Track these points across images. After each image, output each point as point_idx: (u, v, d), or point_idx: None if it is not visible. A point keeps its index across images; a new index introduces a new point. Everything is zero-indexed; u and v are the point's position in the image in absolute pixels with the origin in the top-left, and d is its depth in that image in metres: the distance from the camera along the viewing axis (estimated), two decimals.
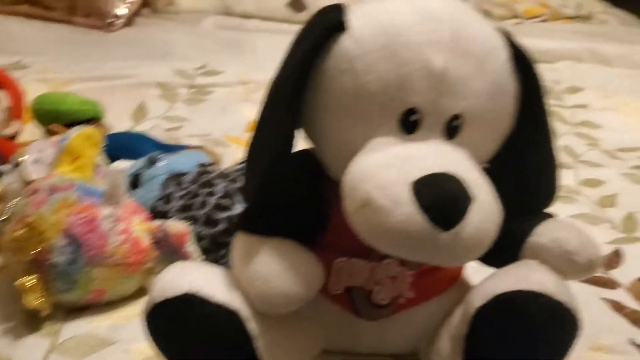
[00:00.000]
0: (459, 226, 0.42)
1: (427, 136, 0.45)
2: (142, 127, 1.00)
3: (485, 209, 0.43)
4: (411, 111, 0.45)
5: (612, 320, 0.65)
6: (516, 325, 0.46)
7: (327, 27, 0.45)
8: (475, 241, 0.43)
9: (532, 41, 1.49)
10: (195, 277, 0.48)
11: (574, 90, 1.32)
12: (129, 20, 1.52)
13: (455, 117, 0.45)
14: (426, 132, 0.45)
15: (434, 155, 0.44)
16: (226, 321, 0.48)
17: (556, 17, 1.86)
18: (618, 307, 0.67)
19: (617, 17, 1.92)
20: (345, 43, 0.45)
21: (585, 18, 1.87)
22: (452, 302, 0.53)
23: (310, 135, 0.50)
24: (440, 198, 0.42)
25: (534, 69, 0.49)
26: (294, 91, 0.46)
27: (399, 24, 0.45)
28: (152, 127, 0.97)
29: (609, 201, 0.90)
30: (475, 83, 0.45)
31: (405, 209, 0.41)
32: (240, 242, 0.51)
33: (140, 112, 1.06)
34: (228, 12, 1.62)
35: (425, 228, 0.41)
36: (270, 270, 0.47)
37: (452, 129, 0.46)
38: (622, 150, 1.08)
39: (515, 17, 1.84)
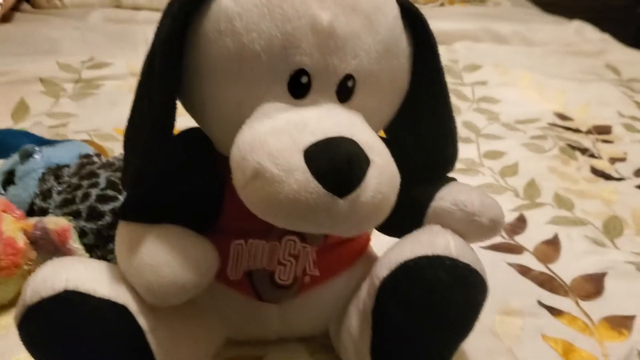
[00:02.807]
0: (356, 191, 0.39)
1: (319, 100, 0.42)
2: (22, 126, 0.92)
3: (383, 173, 0.41)
4: (300, 72, 0.41)
5: (519, 283, 0.65)
6: (423, 292, 0.44)
7: None
8: (374, 206, 0.40)
9: (430, 23, 1.53)
10: (73, 273, 0.43)
11: (473, 68, 1.33)
12: (6, 17, 1.40)
13: (347, 77, 0.42)
14: (318, 95, 0.42)
15: (327, 119, 0.41)
16: (113, 316, 0.43)
17: (452, 1, 1.89)
18: (524, 270, 0.67)
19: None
20: (222, 1, 0.41)
21: (480, 0, 1.91)
22: (359, 277, 0.51)
23: (193, 107, 0.46)
24: (335, 162, 0.38)
25: (426, 26, 0.47)
26: (168, 57, 0.41)
27: None
28: (33, 124, 0.89)
29: (510, 170, 0.90)
30: (366, 40, 0.42)
31: (298, 176, 0.38)
32: (123, 233, 0.46)
33: (20, 110, 0.97)
34: (117, 5, 1.54)
35: (321, 195, 0.38)
36: (157, 259, 0.43)
37: (344, 91, 0.43)
38: (520, 122, 1.09)
39: (414, 2, 1.86)
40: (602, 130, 1.08)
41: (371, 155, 0.40)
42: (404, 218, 0.46)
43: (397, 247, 0.46)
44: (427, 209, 0.48)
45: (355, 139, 0.40)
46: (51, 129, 0.92)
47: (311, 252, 0.49)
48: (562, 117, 1.13)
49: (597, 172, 0.92)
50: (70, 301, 0.42)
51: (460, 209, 0.47)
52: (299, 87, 0.42)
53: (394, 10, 0.45)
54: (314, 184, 0.38)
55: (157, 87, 0.42)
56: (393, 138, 0.50)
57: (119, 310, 0.43)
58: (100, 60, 1.17)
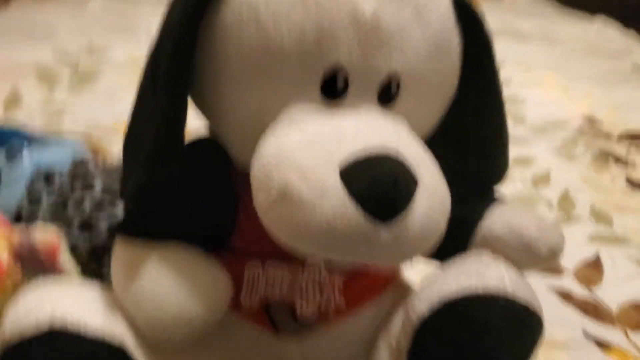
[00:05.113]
0: (402, 217, 0.32)
1: (357, 103, 0.35)
2: (15, 117, 0.85)
3: (433, 194, 0.34)
4: (336, 71, 0.34)
5: (563, 312, 0.59)
6: (472, 337, 0.37)
7: None
8: (422, 234, 0.34)
9: None
10: (59, 303, 0.37)
11: None
12: (5, 2, 1.35)
13: (392, 78, 0.36)
14: (356, 97, 0.35)
15: (368, 128, 0.34)
16: (106, 358, 0.37)
17: None
18: (567, 296, 0.61)
19: None
20: None
21: None
22: (389, 306, 0.44)
23: (207, 110, 0.39)
24: (379, 184, 0.32)
25: (480, 20, 0.40)
26: (178, 52, 0.34)
27: None
28: (27, 117, 0.82)
29: (542, 180, 0.84)
30: (414, 35, 0.36)
31: (333, 200, 0.31)
32: (121, 252, 0.40)
33: (12, 100, 0.91)
34: None
35: (361, 223, 0.32)
36: (160, 288, 0.37)
37: (387, 94, 0.36)
38: (548, 125, 1.03)
39: None
40: (635, 136, 1.01)
41: (419, 173, 0.33)
42: (447, 240, 0.39)
43: (441, 278, 0.40)
44: (475, 231, 0.42)
45: (400, 153, 0.33)
46: (46, 120, 0.85)
47: (337, 280, 0.42)
48: (592, 120, 1.07)
49: (634, 184, 0.85)
50: (56, 343, 0.36)
51: (516, 236, 0.41)
52: (334, 88, 0.35)
53: (445, 2, 0.38)
54: (352, 210, 0.31)
55: (164, 87, 0.35)
56: (435, 143, 0.44)
57: (114, 351, 0.37)
58: (100, 48, 1.11)
